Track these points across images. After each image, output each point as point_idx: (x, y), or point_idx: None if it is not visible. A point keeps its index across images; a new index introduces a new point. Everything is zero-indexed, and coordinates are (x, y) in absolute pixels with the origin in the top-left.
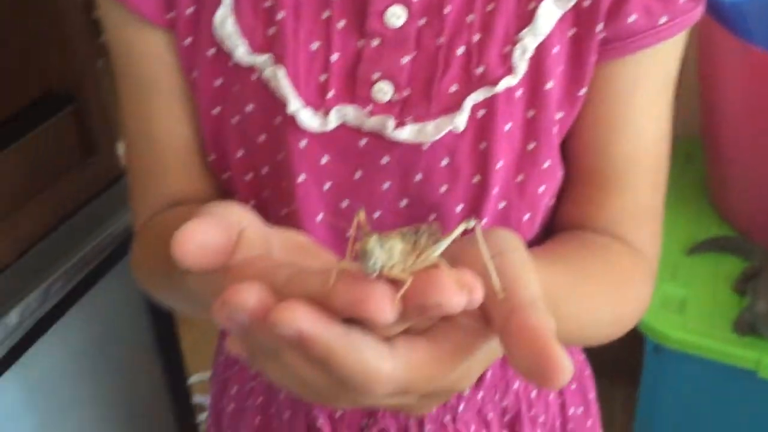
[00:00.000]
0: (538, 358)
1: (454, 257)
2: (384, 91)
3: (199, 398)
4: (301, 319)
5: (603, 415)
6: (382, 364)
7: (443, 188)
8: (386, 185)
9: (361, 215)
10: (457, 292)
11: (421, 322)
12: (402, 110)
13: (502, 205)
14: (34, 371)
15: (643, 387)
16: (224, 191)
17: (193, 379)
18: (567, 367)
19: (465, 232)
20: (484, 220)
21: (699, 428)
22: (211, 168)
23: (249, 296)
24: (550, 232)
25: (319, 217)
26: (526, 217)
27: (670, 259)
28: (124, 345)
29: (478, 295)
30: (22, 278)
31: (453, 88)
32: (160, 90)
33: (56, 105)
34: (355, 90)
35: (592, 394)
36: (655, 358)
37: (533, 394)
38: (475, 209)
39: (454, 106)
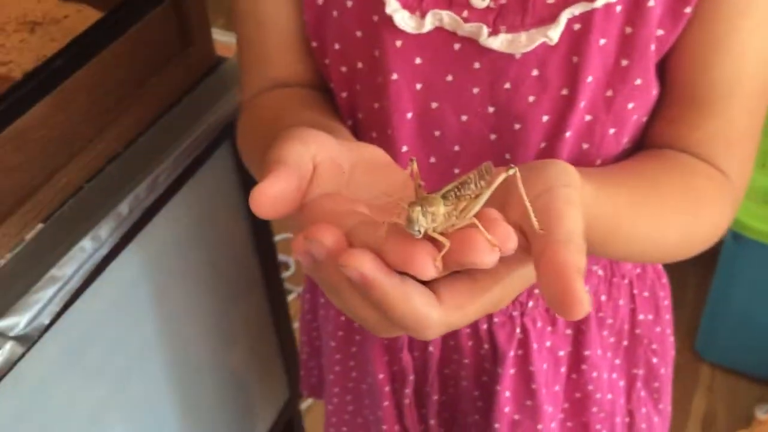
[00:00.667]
0: (561, 291)
1: (503, 197)
2: None
3: (283, 257)
4: (365, 266)
5: (674, 295)
6: (431, 312)
7: (531, 98)
8: (476, 90)
9: (414, 166)
10: (489, 252)
11: None
12: (497, 18)
13: (588, 118)
14: (149, 248)
15: (718, 272)
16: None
17: (278, 237)
18: (585, 303)
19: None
20: (568, 134)
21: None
22: (313, 54)
23: (328, 236)
24: (641, 148)
25: (409, 114)
26: (612, 131)
27: (761, 147)
28: (222, 220)
29: (512, 245)
30: (130, 169)
31: (550, 0)
32: None
33: None
34: None
35: (664, 302)
36: (733, 245)
37: (603, 297)
38: (560, 121)
39: (550, 18)
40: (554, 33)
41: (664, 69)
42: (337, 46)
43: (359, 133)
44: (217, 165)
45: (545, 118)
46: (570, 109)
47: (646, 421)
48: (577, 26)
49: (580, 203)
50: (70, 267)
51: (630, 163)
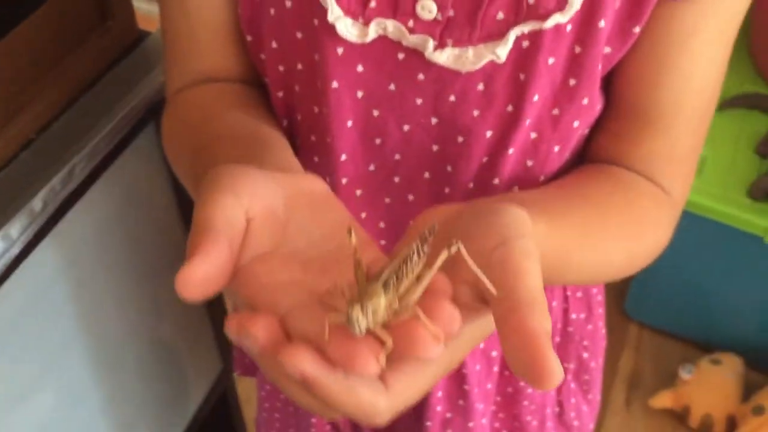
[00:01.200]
0: (532, 361)
1: (455, 254)
2: (428, 8)
3: None
4: (305, 364)
5: None
6: (378, 401)
7: (475, 113)
8: (419, 101)
9: (353, 238)
10: (433, 345)
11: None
12: (444, 31)
13: (533, 135)
14: (66, 243)
15: None
16: (258, 73)
17: None
18: (557, 372)
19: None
20: (511, 150)
21: (697, 290)
22: (248, 48)
23: (261, 332)
24: (581, 159)
25: (350, 122)
26: (557, 149)
27: None
28: (149, 210)
29: (456, 326)
30: (44, 158)
31: (500, 16)
32: None
33: None
34: (398, 3)
35: (597, 298)
36: None
37: None
38: (504, 137)
39: (498, 34)
40: (502, 51)
41: (608, 83)
42: (274, 45)
43: (297, 135)
44: (141, 149)
45: (489, 133)
46: (514, 126)
47: (575, 410)
48: (525, 44)
49: (537, 254)
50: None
51: (575, 186)
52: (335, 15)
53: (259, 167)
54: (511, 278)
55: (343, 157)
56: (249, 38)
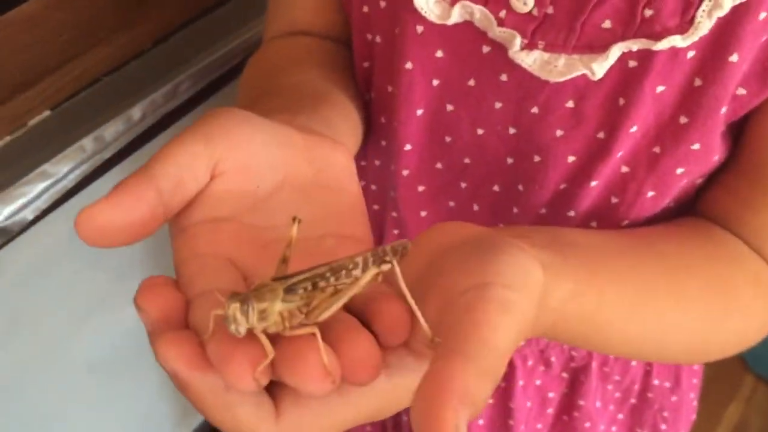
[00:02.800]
0: (425, 422)
1: (428, 280)
2: (524, 0)
3: None
4: (178, 361)
5: None
6: (259, 428)
7: (559, 132)
8: (498, 105)
9: (294, 229)
10: (318, 379)
11: None
12: (537, 30)
13: (624, 170)
14: None
15: None
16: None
17: None
18: None
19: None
20: (594, 183)
21: None
22: (342, 7)
23: (154, 307)
24: (689, 209)
25: (420, 111)
26: (650, 194)
27: None
28: None
29: (365, 377)
30: (152, 70)
31: (606, 24)
32: None
33: None
34: None
35: (688, 369)
36: None
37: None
38: (588, 165)
39: (599, 46)
40: (599, 67)
41: (737, 132)
42: (365, 9)
43: (372, 113)
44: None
45: (571, 158)
46: (603, 156)
47: None
48: (632, 63)
49: (524, 311)
50: (65, 165)
51: (655, 240)
52: None
53: (287, 123)
54: (469, 327)
55: (407, 146)
56: None
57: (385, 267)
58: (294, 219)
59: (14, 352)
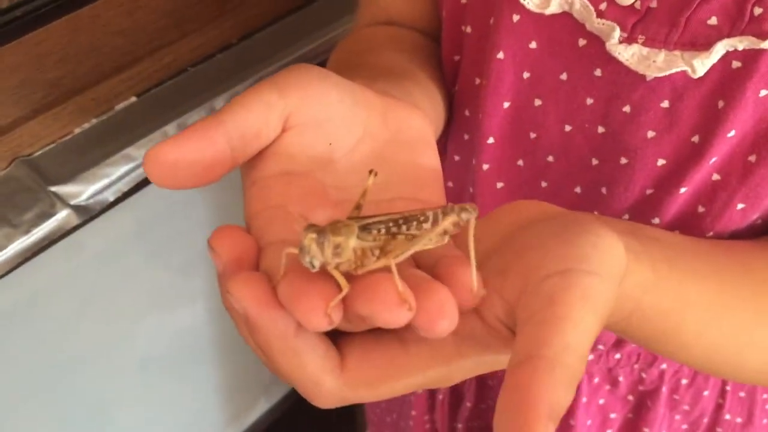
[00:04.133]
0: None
1: (503, 263)
2: None
3: None
4: (249, 300)
5: None
6: (324, 378)
7: (650, 134)
8: (590, 101)
9: (371, 179)
10: (395, 306)
11: None
12: (638, 23)
13: (715, 178)
14: None
15: None
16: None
17: None
18: None
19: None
20: (683, 189)
21: None
22: (435, 0)
23: (226, 248)
24: None
25: (507, 104)
26: (740, 206)
27: None
28: None
29: (445, 325)
30: (240, 63)
31: (712, 20)
32: None
33: None
34: None
35: (760, 408)
36: None
37: (684, 381)
38: (679, 171)
39: (703, 43)
40: (701, 64)
41: None
42: (464, 1)
43: (455, 106)
44: None
45: (661, 162)
46: (695, 161)
47: None
48: (736, 64)
49: (605, 299)
50: (147, 149)
51: (742, 253)
52: None
53: (366, 85)
54: (550, 322)
55: (491, 140)
56: None
57: (465, 216)
58: (370, 172)
59: (76, 339)
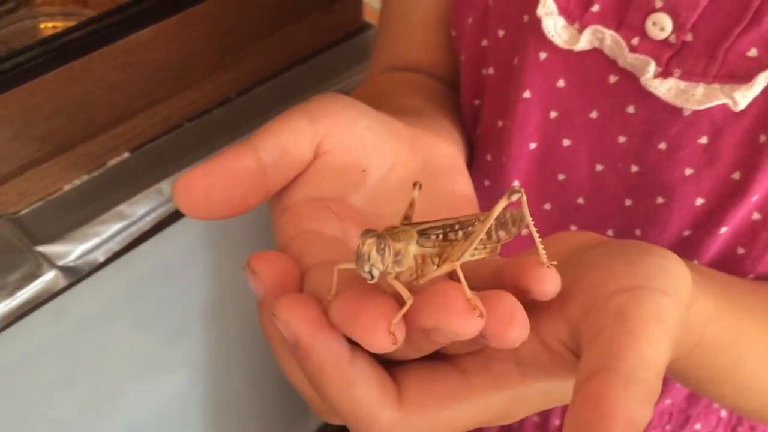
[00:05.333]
0: None
1: (565, 285)
2: (661, 25)
3: None
4: (301, 324)
5: None
6: (381, 412)
7: (688, 171)
8: (622, 139)
9: (416, 192)
10: (465, 315)
11: (468, 346)
12: (673, 57)
13: (755, 217)
14: None
15: None
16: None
17: None
18: None
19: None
20: (723, 229)
21: None
22: (452, 45)
23: (267, 271)
24: None
25: (533, 145)
26: None
27: None
28: None
29: (516, 334)
30: (237, 118)
31: (752, 52)
32: None
33: None
34: (627, 13)
35: None
36: None
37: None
38: (719, 210)
39: (744, 75)
40: (742, 96)
41: None
42: (485, 42)
43: (475, 152)
44: None
45: (699, 201)
46: (737, 199)
47: None
48: None
49: (676, 322)
50: (142, 207)
51: None
52: (547, 9)
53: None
54: (621, 337)
55: (516, 183)
56: (453, 33)
57: (515, 196)
58: (415, 184)
59: (60, 406)
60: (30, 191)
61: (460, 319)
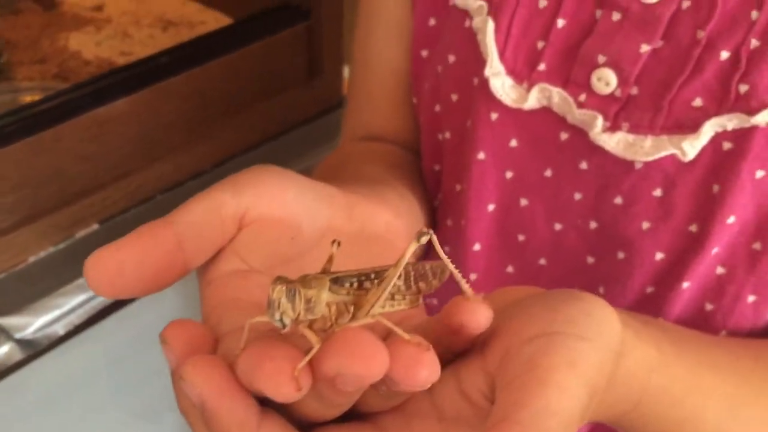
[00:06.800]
0: None
1: (486, 337)
2: (606, 80)
3: None
4: (205, 382)
5: None
6: None
7: (645, 225)
8: (578, 196)
9: (334, 247)
10: (367, 357)
11: (383, 401)
12: (620, 111)
13: (719, 271)
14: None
15: None
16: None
17: None
18: None
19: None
20: (686, 284)
21: None
22: (414, 112)
23: (179, 340)
24: None
25: (491, 206)
26: (752, 299)
27: None
28: None
29: (425, 375)
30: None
31: (696, 102)
32: (382, 19)
33: (292, 18)
34: (572, 70)
35: None
36: None
37: None
38: (679, 264)
39: (690, 126)
40: (690, 147)
41: None
42: (437, 108)
43: (437, 219)
44: None
45: (659, 255)
46: (696, 252)
47: None
48: (727, 145)
49: (593, 367)
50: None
51: (755, 350)
52: (494, 70)
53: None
54: (529, 385)
55: (476, 246)
56: (414, 100)
57: (424, 239)
58: (333, 242)
59: None
60: None
61: (361, 360)
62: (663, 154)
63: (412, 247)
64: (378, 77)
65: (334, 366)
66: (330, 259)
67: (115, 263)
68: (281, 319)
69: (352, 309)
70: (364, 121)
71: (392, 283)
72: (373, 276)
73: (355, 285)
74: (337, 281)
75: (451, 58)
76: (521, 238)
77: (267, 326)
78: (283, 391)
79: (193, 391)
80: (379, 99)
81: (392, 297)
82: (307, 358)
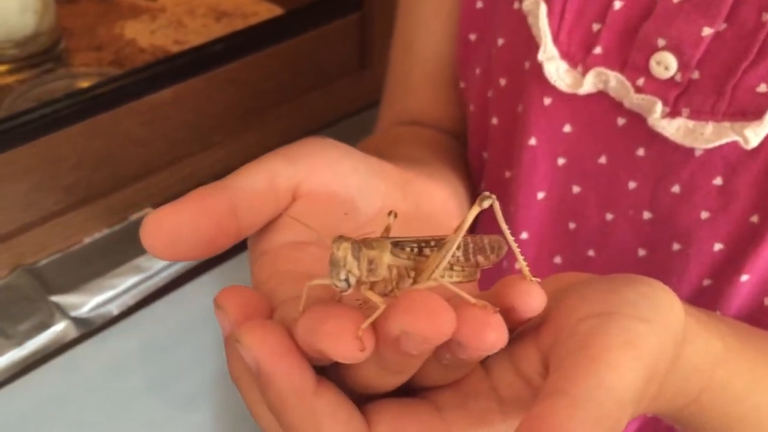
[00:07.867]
0: None
1: (540, 317)
2: (665, 64)
3: None
4: (260, 346)
5: None
6: None
7: (704, 215)
8: (632, 185)
9: (391, 218)
10: (434, 316)
11: (443, 372)
12: (680, 96)
13: None
14: None
15: None
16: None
17: None
18: None
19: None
20: (744, 277)
21: None
22: (461, 97)
23: (233, 306)
24: None
25: (541, 194)
26: None
27: None
28: None
29: (493, 338)
30: None
31: (761, 88)
32: (425, 3)
33: (344, 8)
34: (630, 53)
35: None
36: None
37: None
38: (739, 256)
39: (754, 112)
40: (753, 134)
41: None
42: (490, 94)
43: None
44: None
45: (718, 246)
46: (756, 244)
47: None
48: None
49: (653, 349)
50: (160, 261)
51: None
52: (548, 54)
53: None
54: (582, 362)
55: (524, 235)
56: (462, 85)
57: (486, 203)
58: (390, 212)
59: None
60: (49, 243)
61: (428, 319)
62: (724, 141)
63: (474, 211)
64: (420, 62)
65: (399, 325)
66: (387, 230)
67: (172, 226)
68: (347, 279)
69: (413, 274)
70: (408, 107)
71: (453, 249)
72: (433, 243)
73: (416, 250)
74: (397, 245)
75: (500, 42)
76: (572, 226)
77: (324, 294)
78: (346, 351)
79: (249, 354)
80: (422, 84)
81: (451, 267)
82: (372, 318)
